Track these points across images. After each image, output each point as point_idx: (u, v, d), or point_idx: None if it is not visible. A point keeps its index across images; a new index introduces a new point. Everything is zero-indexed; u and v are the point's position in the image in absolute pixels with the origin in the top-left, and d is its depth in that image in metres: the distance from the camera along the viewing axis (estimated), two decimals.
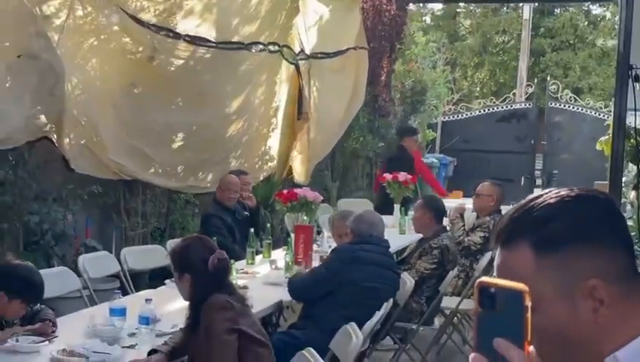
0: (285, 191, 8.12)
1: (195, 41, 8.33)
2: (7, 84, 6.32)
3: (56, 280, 6.18)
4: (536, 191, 1.85)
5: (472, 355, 1.40)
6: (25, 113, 6.58)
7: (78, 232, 8.18)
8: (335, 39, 11.60)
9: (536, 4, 23.31)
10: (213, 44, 8.61)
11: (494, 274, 1.59)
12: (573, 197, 1.58)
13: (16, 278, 4.78)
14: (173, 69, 8.17)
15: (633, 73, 5.31)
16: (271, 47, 9.80)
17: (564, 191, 1.59)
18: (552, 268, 1.52)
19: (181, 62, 8.23)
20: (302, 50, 10.67)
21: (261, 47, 9.60)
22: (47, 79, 6.64)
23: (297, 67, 10.65)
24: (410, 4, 15.75)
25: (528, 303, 1.37)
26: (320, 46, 11.14)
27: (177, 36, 8.17)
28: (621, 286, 1.52)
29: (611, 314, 1.51)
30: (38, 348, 4.64)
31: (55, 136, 6.91)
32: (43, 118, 6.74)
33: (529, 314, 1.37)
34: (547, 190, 1.59)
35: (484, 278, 1.43)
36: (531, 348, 1.36)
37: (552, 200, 1.57)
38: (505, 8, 25.61)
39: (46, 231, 7.55)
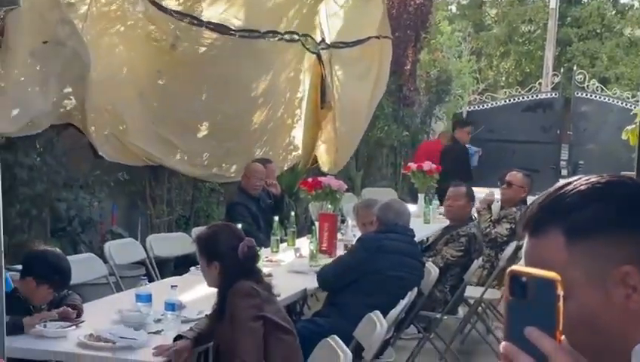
0: (310, 180, 8.15)
1: (218, 29, 8.32)
2: (33, 70, 6.34)
3: (82, 266, 6.22)
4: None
5: (502, 344, 1.41)
6: (50, 99, 6.62)
7: (104, 219, 8.25)
8: (356, 28, 11.54)
9: None
10: (235, 33, 8.60)
11: (522, 262, 1.57)
12: (604, 183, 1.57)
13: (44, 264, 4.82)
14: (196, 57, 8.19)
15: None
16: (293, 37, 9.80)
17: (594, 178, 1.57)
18: (584, 255, 1.51)
19: (204, 50, 8.24)
20: (323, 40, 10.66)
21: (283, 36, 9.58)
22: (72, 66, 6.68)
23: (319, 56, 10.64)
24: None
25: (560, 292, 1.37)
26: (341, 35, 11.11)
27: (201, 24, 8.18)
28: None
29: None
30: (65, 333, 4.68)
31: (80, 123, 6.95)
32: (68, 104, 6.78)
33: (561, 303, 1.37)
34: (576, 177, 1.57)
35: (516, 267, 1.43)
36: (563, 337, 1.39)
37: (582, 187, 1.56)
38: None
39: (73, 218, 7.63)
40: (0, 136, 6.20)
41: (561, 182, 1.60)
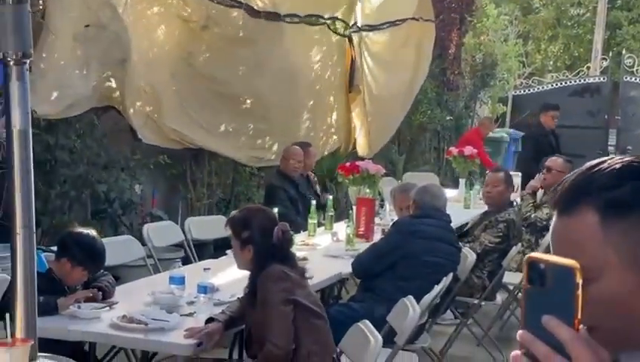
0: (348, 164, 8.14)
1: (246, 10, 8.30)
2: (74, 54, 6.39)
3: (121, 248, 6.31)
4: None
5: (519, 332, 1.41)
6: (91, 82, 6.68)
7: (144, 201, 8.32)
8: (391, 10, 11.39)
9: None
10: (271, 15, 8.62)
11: (551, 242, 1.55)
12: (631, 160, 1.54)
13: (79, 246, 4.87)
14: (227, 38, 8.20)
15: None
16: (319, 20, 9.76)
17: (628, 158, 1.54)
18: (618, 235, 1.47)
19: (234, 31, 8.24)
20: (355, 23, 10.60)
21: (310, 19, 9.55)
22: (112, 49, 6.75)
23: (350, 39, 10.60)
24: None
25: (579, 280, 1.35)
26: (374, 17, 11.02)
27: (232, 4, 8.18)
28: None
29: None
30: (99, 314, 4.73)
31: (120, 105, 7.00)
32: (109, 86, 6.84)
33: (580, 291, 1.35)
34: (609, 157, 1.54)
35: (534, 254, 1.41)
36: (581, 327, 1.38)
37: (618, 165, 1.52)
38: None
39: (113, 200, 7.69)
40: (41, 119, 6.25)
41: (595, 160, 1.56)
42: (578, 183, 1.54)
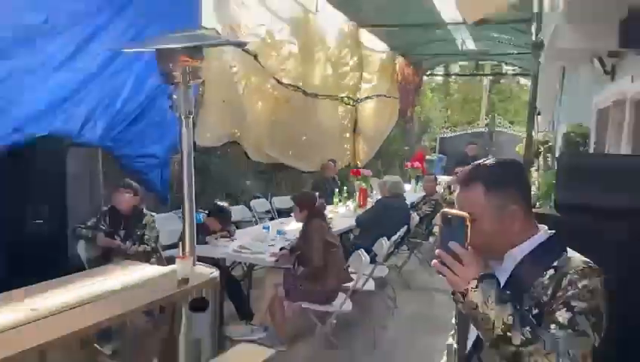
0: (355, 170, 8.26)
1: (303, 93, 8.22)
2: (217, 113, 6.38)
3: (239, 212, 6.49)
4: None
5: (437, 251, 1.42)
6: (226, 128, 6.70)
7: (252, 188, 8.33)
8: (375, 91, 11.22)
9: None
10: (312, 94, 8.52)
11: (455, 203, 1.56)
12: (503, 161, 1.56)
13: (220, 210, 4.94)
14: (295, 105, 8.08)
15: (536, 111, 5.10)
16: (337, 97, 9.62)
17: (494, 159, 1.57)
18: (491, 200, 1.48)
19: (298, 102, 8.14)
20: (358, 98, 10.44)
21: (334, 96, 9.45)
22: (237, 112, 6.75)
23: (354, 105, 10.43)
24: (424, 77, 15.34)
25: (468, 223, 1.40)
26: (366, 94, 10.84)
27: (303, 91, 8.14)
28: (525, 213, 1.51)
29: (519, 227, 1.50)
30: (227, 244, 4.77)
31: (240, 140, 7.02)
32: (234, 131, 6.86)
33: (468, 229, 1.40)
34: (486, 158, 1.61)
35: (446, 209, 1.44)
36: (469, 248, 1.40)
37: (490, 162, 1.55)
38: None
39: (241, 192, 7.74)
40: (200, 146, 6.30)
41: (479, 161, 1.58)
42: (472, 171, 1.54)
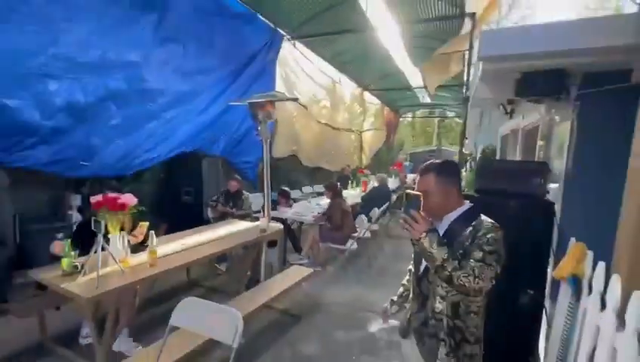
0: (360, 170, 8.01)
1: (333, 126, 8.04)
2: (283, 136, 6.18)
3: (295, 193, 6.22)
4: None
5: (401, 215, 1.38)
6: (289, 146, 6.55)
7: (303, 180, 8.12)
8: (372, 126, 10.85)
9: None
10: (337, 128, 8.31)
11: (415, 187, 1.47)
12: (446, 160, 1.47)
13: (285, 193, 4.79)
14: (328, 132, 7.90)
15: (465, 137, 4.85)
16: (351, 129, 9.38)
17: (443, 160, 1.47)
18: (439, 182, 1.41)
19: (333, 133, 7.99)
20: (363, 130, 10.14)
21: (348, 129, 9.25)
22: (293, 134, 6.58)
23: (361, 135, 10.16)
24: (400, 118, 14.79)
25: (422, 199, 1.34)
26: (367, 127, 10.49)
27: (331, 126, 7.95)
28: (458, 193, 1.42)
29: (454, 201, 1.42)
30: (288, 210, 4.59)
31: (297, 153, 6.88)
32: (293, 148, 6.77)
33: (422, 202, 1.34)
34: (433, 160, 1.50)
35: (408, 190, 1.38)
36: (423, 213, 1.33)
37: (440, 161, 1.46)
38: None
39: (297, 182, 7.47)
40: (275, 157, 6.14)
41: (430, 160, 1.48)
42: (428, 165, 1.45)
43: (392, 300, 1.69)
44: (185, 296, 1.70)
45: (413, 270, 1.62)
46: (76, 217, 3.08)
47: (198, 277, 3.53)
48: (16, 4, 2.52)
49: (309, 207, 4.93)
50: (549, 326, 1.91)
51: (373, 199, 5.65)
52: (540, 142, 2.91)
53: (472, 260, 1.30)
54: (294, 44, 5.96)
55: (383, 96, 10.63)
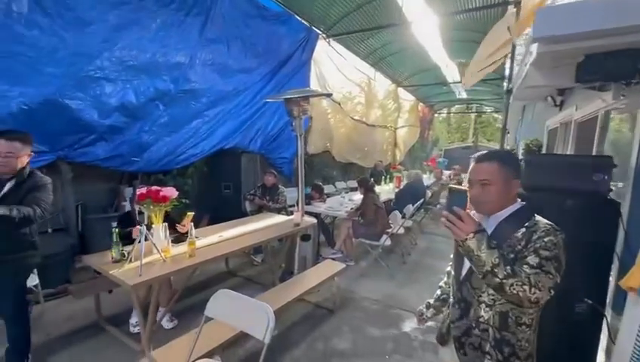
0: (393, 166, 7.76)
1: (368, 124, 7.87)
2: (318, 132, 6.15)
3: (329, 188, 6.12)
4: None
5: (443, 212, 1.24)
6: (323, 142, 6.52)
7: (336, 175, 8.01)
8: (406, 123, 10.48)
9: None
10: (371, 125, 8.13)
11: (470, 173, 1.30)
12: (510, 152, 1.35)
13: (319, 188, 4.71)
14: (362, 129, 7.73)
15: (506, 131, 4.47)
16: (386, 126, 9.13)
17: (506, 150, 1.41)
18: (502, 172, 1.28)
19: (364, 129, 7.78)
20: (397, 126, 9.81)
21: (383, 125, 9.00)
22: (327, 131, 6.55)
23: (395, 131, 9.84)
24: (435, 114, 14.16)
25: (468, 195, 1.22)
26: (401, 124, 10.13)
27: (364, 123, 7.77)
28: (518, 187, 1.31)
29: (512, 196, 1.29)
30: (321, 205, 4.50)
31: (330, 149, 6.84)
32: (327, 144, 6.70)
33: (468, 198, 1.21)
34: (497, 148, 1.38)
35: (452, 185, 1.26)
36: (468, 211, 1.20)
37: (504, 151, 1.35)
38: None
39: (331, 177, 7.40)
40: (308, 153, 6.13)
41: (492, 149, 1.38)
42: (491, 152, 1.31)
43: (428, 303, 1.55)
44: (223, 285, 1.69)
45: (453, 273, 1.46)
46: (129, 208, 3.25)
47: (236, 268, 3.60)
48: (83, 12, 2.66)
49: (342, 201, 4.84)
50: (612, 341, 1.64)
51: (407, 195, 5.43)
52: (597, 135, 2.55)
53: (526, 266, 1.13)
54: (329, 42, 5.87)
55: (418, 92, 10.24)
